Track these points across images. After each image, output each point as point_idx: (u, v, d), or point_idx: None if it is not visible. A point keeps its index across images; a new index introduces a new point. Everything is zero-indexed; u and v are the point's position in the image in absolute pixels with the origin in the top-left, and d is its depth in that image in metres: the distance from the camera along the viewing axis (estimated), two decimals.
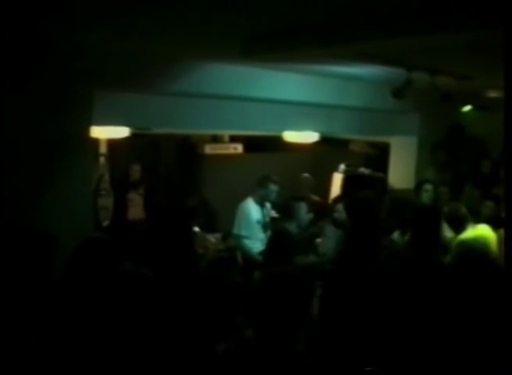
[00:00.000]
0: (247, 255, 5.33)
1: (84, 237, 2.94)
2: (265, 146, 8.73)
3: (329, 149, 8.59)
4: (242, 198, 5.97)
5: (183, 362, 2.41)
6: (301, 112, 6.24)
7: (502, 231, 5.16)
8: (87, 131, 4.62)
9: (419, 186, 6.03)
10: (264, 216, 5.74)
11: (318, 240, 6.13)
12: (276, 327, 2.11)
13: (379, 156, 8.39)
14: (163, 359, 2.29)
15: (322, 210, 6.36)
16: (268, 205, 5.85)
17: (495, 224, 4.99)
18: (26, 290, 2.63)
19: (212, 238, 6.14)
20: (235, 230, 5.78)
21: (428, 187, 5.89)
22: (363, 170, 7.70)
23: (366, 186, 5.94)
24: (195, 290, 2.66)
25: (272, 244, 4.32)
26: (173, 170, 8.73)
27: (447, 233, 4.76)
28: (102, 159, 7.32)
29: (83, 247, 2.85)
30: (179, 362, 2.38)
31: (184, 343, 2.48)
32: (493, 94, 6.29)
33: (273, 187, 5.82)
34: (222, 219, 6.40)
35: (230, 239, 5.82)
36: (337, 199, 5.71)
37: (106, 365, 2.19)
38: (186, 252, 3.86)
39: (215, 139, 8.82)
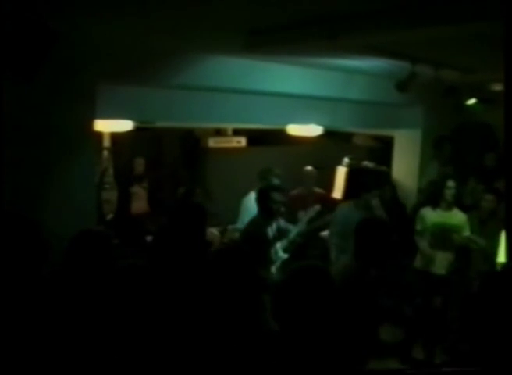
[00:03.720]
0: None
1: (80, 229, 2.94)
2: (269, 139, 8.71)
3: (333, 143, 8.58)
4: (246, 191, 5.97)
5: (193, 358, 2.40)
6: (305, 106, 6.22)
7: None
8: (91, 124, 4.62)
9: (442, 183, 5.70)
10: None
11: (323, 233, 6.14)
12: (302, 322, 2.10)
13: (383, 150, 8.38)
14: (170, 356, 2.28)
15: (326, 203, 6.37)
16: None
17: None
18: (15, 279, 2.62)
19: (216, 232, 6.16)
20: (239, 225, 5.78)
21: (451, 184, 5.56)
22: (366, 164, 7.69)
23: (370, 179, 5.92)
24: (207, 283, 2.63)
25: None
26: (177, 164, 8.74)
27: None
28: (106, 153, 7.33)
29: (78, 239, 2.85)
30: (188, 358, 2.38)
31: (193, 337, 2.47)
32: (498, 87, 6.26)
33: (275, 181, 5.81)
34: (226, 212, 6.40)
35: (228, 232, 5.84)
36: None
37: (109, 360, 2.19)
38: (200, 248, 3.85)
39: (219, 132, 8.81)
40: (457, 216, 5.54)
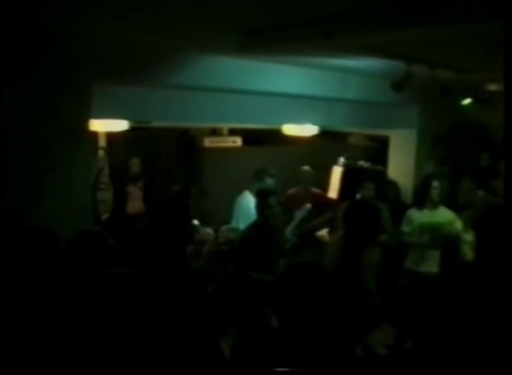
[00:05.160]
0: None
1: (78, 230, 2.93)
2: (264, 139, 8.72)
3: (329, 142, 8.57)
4: (241, 191, 5.97)
5: (185, 360, 2.40)
6: (300, 105, 6.22)
7: None
8: (86, 124, 4.61)
9: (427, 183, 5.59)
10: None
11: (319, 233, 6.14)
12: (300, 317, 2.12)
13: (379, 149, 8.39)
14: (163, 358, 2.28)
15: (324, 203, 6.37)
16: None
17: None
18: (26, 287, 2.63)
19: (210, 231, 6.14)
20: (234, 224, 5.78)
21: (436, 184, 5.50)
22: (362, 163, 7.70)
23: (365, 179, 5.93)
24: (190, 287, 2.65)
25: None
26: (172, 163, 8.73)
27: None
28: (101, 153, 7.32)
29: (76, 240, 2.85)
30: (180, 359, 2.38)
31: (184, 340, 2.48)
32: (493, 87, 6.28)
33: (269, 181, 5.81)
34: (221, 211, 6.40)
35: (222, 232, 5.83)
36: None
37: (102, 363, 2.19)
38: (179, 250, 3.83)
39: (214, 132, 8.81)
40: (444, 214, 5.55)
